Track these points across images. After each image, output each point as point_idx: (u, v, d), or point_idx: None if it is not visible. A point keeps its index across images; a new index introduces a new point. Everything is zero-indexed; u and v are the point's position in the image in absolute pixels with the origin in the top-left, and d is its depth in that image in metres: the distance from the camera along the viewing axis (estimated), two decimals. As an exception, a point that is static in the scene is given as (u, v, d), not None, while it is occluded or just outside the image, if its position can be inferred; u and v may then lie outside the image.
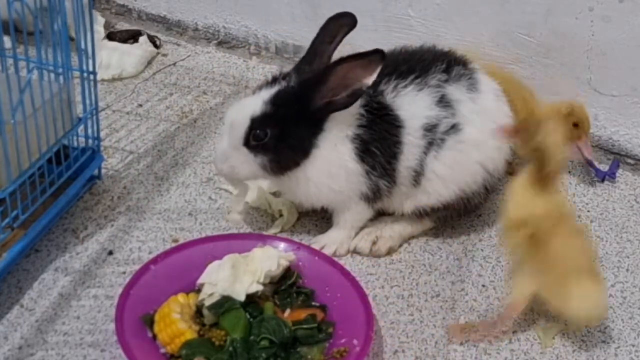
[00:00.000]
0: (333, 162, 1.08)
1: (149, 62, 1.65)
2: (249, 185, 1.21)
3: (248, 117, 1.06)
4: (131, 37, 1.70)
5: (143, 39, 1.68)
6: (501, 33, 1.48)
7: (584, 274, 0.99)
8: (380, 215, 1.21)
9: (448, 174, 1.13)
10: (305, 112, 1.06)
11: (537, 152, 0.95)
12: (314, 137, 1.08)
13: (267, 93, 1.07)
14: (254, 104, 1.07)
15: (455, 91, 1.13)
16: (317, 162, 1.09)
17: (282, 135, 1.07)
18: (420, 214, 1.18)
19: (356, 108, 1.08)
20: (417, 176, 1.13)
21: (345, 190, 1.11)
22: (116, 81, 1.59)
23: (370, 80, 1.04)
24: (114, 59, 1.58)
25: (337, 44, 1.11)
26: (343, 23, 1.11)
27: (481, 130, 1.14)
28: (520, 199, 0.99)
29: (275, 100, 1.06)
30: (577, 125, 1.20)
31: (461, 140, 1.12)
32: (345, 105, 1.06)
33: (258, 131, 1.06)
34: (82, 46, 1.11)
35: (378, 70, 1.03)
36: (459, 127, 1.12)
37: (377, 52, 1.03)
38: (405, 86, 1.10)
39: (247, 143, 1.07)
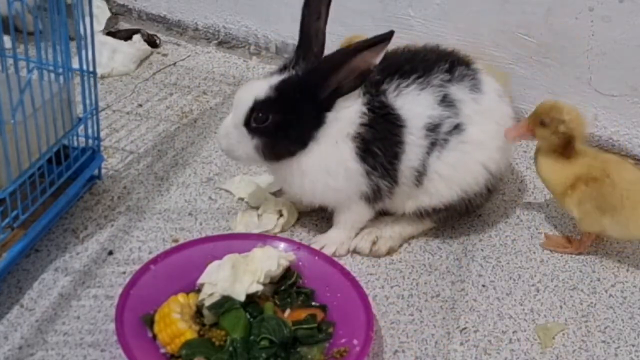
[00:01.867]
0: (331, 159, 1.08)
1: (142, 61, 1.65)
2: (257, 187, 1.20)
3: (252, 99, 1.06)
4: (130, 36, 1.70)
5: (137, 37, 1.68)
6: (501, 33, 1.48)
7: None
8: (381, 215, 1.21)
9: (451, 175, 1.13)
10: (311, 102, 1.06)
11: (564, 134, 1.13)
12: (315, 130, 1.07)
13: (276, 79, 1.07)
14: (260, 87, 1.07)
15: (458, 91, 1.13)
16: (314, 156, 1.08)
17: (282, 122, 1.06)
18: (421, 214, 1.18)
19: (359, 106, 1.08)
20: (420, 176, 1.12)
21: (344, 190, 1.11)
22: (116, 81, 1.59)
23: (377, 60, 1.04)
24: (104, 56, 1.56)
25: (326, 18, 1.11)
26: None
27: (484, 130, 1.14)
28: (556, 169, 1.16)
29: (281, 87, 1.06)
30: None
31: (464, 140, 1.12)
32: (353, 88, 1.07)
33: (260, 114, 1.06)
34: (82, 45, 1.11)
35: (385, 50, 1.03)
36: (462, 128, 1.12)
37: (387, 35, 1.02)
38: (408, 85, 1.10)
39: (247, 123, 1.07)
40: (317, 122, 1.07)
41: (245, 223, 1.20)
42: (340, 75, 1.05)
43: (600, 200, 1.13)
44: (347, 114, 1.08)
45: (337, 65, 1.04)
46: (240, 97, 1.08)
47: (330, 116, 1.07)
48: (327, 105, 1.07)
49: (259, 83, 1.08)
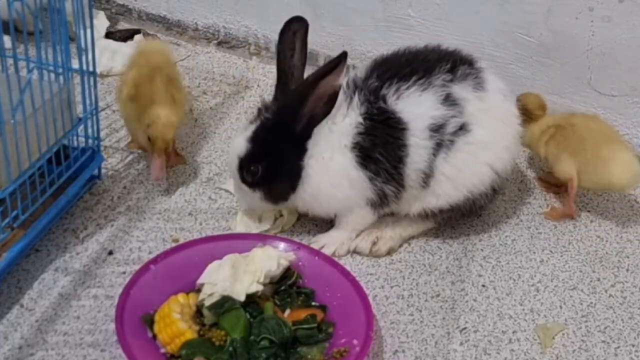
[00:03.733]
0: (330, 172, 1.10)
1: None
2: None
3: (236, 158, 1.11)
4: (130, 36, 1.70)
5: (138, 37, 1.68)
6: (501, 33, 1.48)
7: (614, 143, 1.25)
8: (383, 215, 1.21)
9: (458, 176, 1.13)
10: (288, 139, 1.09)
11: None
12: (300, 160, 1.10)
13: (250, 130, 1.11)
14: (239, 143, 1.11)
15: (461, 90, 1.12)
16: (313, 180, 1.10)
17: (270, 167, 1.10)
18: (426, 215, 1.18)
19: (354, 117, 1.09)
20: (426, 178, 1.12)
21: (351, 197, 1.12)
22: (116, 81, 1.58)
23: (340, 80, 1.06)
24: (104, 56, 1.57)
25: (302, 52, 1.13)
26: (294, 29, 1.12)
27: (490, 130, 1.13)
28: (531, 126, 1.33)
29: (255, 137, 1.10)
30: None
31: (470, 141, 1.12)
32: (325, 113, 1.09)
33: (251, 167, 1.11)
34: (82, 45, 1.11)
35: (344, 68, 1.05)
36: (467, 128, 1.11)
37: (342, 57, 1.04)
38: (408, 88, 1.10)
39: (244, 181, 1.12)
40: (299, 152, 1.10)
41: (245, 223, 1.20)
42: (309, 106, 1.07)
43: (564, 143, 1.27)
44: (341, 127, 1.09)
45: (303, 98, 1.06)
46: (229, 157, 1.14)
47: (311, 140, 1.10)
48: (305, 135, 1.10)
49: (238, 140, 1.12)
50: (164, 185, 1.26)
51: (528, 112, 1.30)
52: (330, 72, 1.04)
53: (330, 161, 1.09)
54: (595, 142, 1.24)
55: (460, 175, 1.13)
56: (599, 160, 1.22)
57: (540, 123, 1.33)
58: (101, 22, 1.71)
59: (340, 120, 1.10)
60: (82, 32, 1.09)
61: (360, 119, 1.09)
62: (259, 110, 1.12)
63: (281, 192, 1.12)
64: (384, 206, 1.14)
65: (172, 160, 1.30)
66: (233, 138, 1.19)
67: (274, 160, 1.10)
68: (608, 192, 1.34)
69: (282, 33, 1.12)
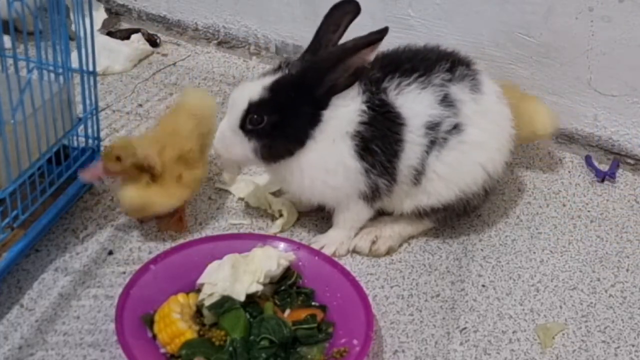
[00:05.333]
0: (330, 157, 1.08)
1: (141, 61, 1.65)
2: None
3: (246, 101, 1.06)
4: (130, 35, 1.70)
5: (136, 36, 1.67)
6: (501, 33, 1.48)
7: (528, 100, 1.33)
8: (380, 214, 1.21)
9: (449, 174, 1.13)
10: (306, 101, 1.06)
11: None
12: (311, 128, 1.07)
13: (269, 79, 1.07)
14: (254, 88, 1.07)
15: (458, 91, 1.12)
16: (312, 155, 1.08)
17: (278, 122, 1.06)
18: (419, 214, 1.18)
19: (358, 104, 1.08)
20: (418, 175, 1.12)
21: (343, 188, 1.10)
22: (116, 81, 1.59)
23: (372, 57, 1.04)
24: (101, 55, 1.56)
25: (342, 32, 1.11)
26: (347, 10, 1.11)
27: (483, 131, 1.14)
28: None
29: (274, 87, 1.06)
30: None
31: (463, 140, 1.12)
32: (348, 85, 1.07)
33: (255, 116, 1.06)
34: (81, 37, 1.11)
35: (379, 46, 1.03)
36: (461, 128, 1.12)
37: (382, 31, 1.03)
38: (409, 84, 1.10)
39: (242, 126, 1.07)
40: (313, 120, 1.07)
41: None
42: (336, 73, 1.05)
43: None
44: (346, 112, 1.07)
45: (334, 64, 1.05)
46: (234, 99, 1.08)
47: (327, 114, 1.07)
48: (323, 103, 1.07)
49: (252, 84, 1.08)
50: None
51: None
52: (369, 45, 1.03)
53: (332, 145, 1.08)
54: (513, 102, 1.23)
55: (452, 174, 1.13)
56: (522, 116, 1.26)
57: None
58: (100, 15, 1.71)
59: (344, 105, 1.07)
60: (80, 26, 1.08)
61: (364, 107, 1.07)
62: (280, 64, 1.09)
63: (279, 151, 1.08)
64: (376, 200, 1.13)
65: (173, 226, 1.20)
66: (245, 82, 1.12)
67: (285, 117, 1.06)
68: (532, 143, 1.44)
69: (334, 8, 1.10)
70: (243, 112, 1.06)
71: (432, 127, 1.10)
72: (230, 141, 1.09)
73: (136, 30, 1.73)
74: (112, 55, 1.59)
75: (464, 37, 1.50)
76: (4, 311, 1.02)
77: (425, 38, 1.45)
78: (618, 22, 1.37)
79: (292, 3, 1.64)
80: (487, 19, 1.48)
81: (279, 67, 1.09)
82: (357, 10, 1.11)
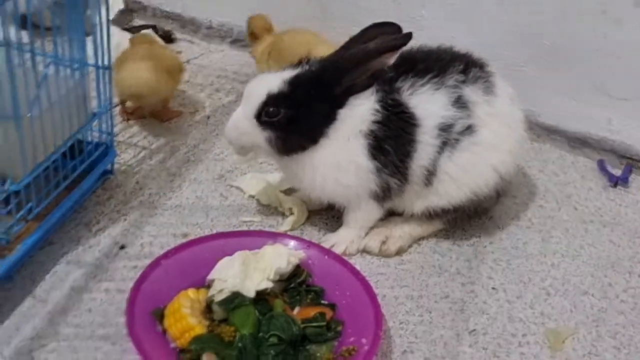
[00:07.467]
0: (342, 155, 1.08)
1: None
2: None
3: (265, 92, 1.07)
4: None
5: (145, 32, 1.67)
6: (513, 34, 1.47)
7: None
8: (391, 215, 1.21)
9: (461, 176, 1.13)
10: (324, 99, 1.07)
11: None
12: (326, 126, 1.08)
13: (289, 73, 1.08)
14: (274, 80, 1.07)
15: (471, 93, 1.12)
16: (325, 152, 1.08)
17: (294, 117, 1.07)
18: (430, 215, 1.18)
19: (372, 103, 1.08)
20: (430, 176, 1.12)
21: (354, 186, 1.10)
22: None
23: (392, 60, 1.05)
24: (117, 51, 1.56)
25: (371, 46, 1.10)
26: (384, 31, 1.11)
27: (495, 133, 1.13)
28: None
29: (294, 82, 1.07)
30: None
31: (475, 142, 1.12)
32: (366, 86, 1.07)
33: (272, 108, 1.06)
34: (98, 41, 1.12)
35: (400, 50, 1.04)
36: (474, 129, 1.11)
37: (406, 37, 1.04)
38: (423, 85, 1.10)
39: (258, 117, 1.08)
40: (329, 118, 1.07)
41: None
42: (356, 74, 1.06)
43: (278, 57, 1.40)
44: (360, 111, 1.08)
45: (355, 64, 1.05)
46: (253, 89, 1.09)
47: (343, 113, 1.08)
48: (340, 102, 1.08)
49: (272, 77, 1.08)
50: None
51: (254, 35, 1.48)
52: (392, 49, 1.04)
53: (346, 143, 1.08)
54: (302, 52, 1.18)
55: (463, 175, 1.13)
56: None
57: (263, 43, 1.47)
58: (116, 2, 1.71)
59: (359, 104, 1.08)
60: (97, 26, 1.09)
61: (377, 106, 1.08)
62: (300, 60, 1.09)
63: (292, 145, 1.08)
64: (387, 199, 1.13)
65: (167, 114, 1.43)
66: (264, 74, 1.13)
67: (302, 112, 1.07)
68: None
69: (375, 26, 1.12)
70: (260, 104, 1.07)
71: (445, 128, 1.10)
72: (243, 130, 1.09)
73: (152, 26, 1.73)
74: (119, 48, 1.58)
75: (476, 38, 1.50)
76: (17, 302, 1.03)
77: (438, 39, 1.44)
78: (630, 25, 1.36)
79: (302, 2, 1.65)
80: (499, 21, 1.48)
81: (300, 63, 1.09)
82: (396, 33, 1.11)
